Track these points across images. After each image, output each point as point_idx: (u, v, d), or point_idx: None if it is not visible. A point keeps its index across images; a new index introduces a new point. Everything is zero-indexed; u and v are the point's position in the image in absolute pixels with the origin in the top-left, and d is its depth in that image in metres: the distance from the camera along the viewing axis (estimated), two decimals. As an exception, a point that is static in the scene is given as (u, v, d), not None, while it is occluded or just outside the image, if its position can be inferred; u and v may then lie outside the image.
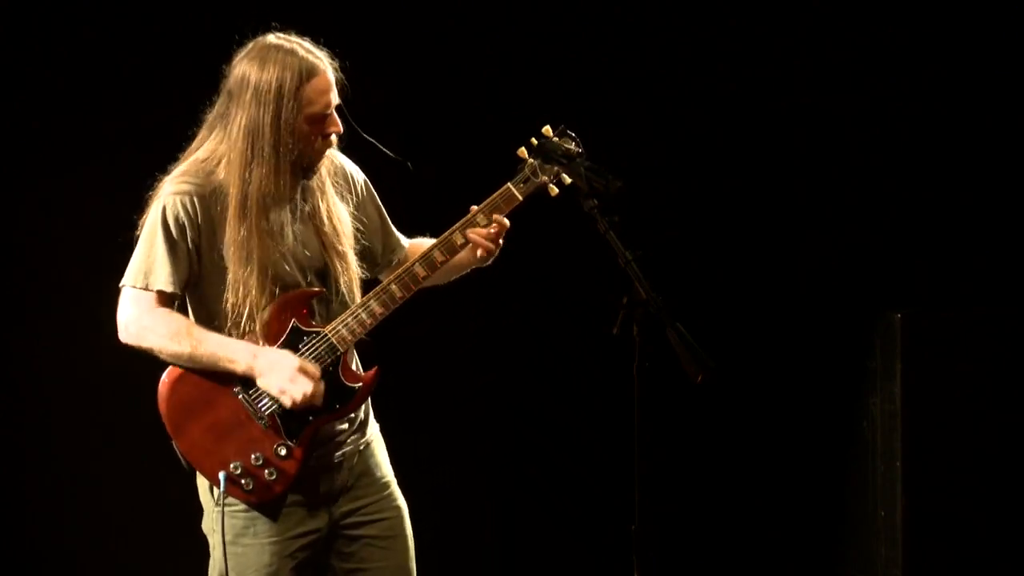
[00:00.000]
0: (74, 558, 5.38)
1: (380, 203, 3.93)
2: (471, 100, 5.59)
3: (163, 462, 3.81)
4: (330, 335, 3.67)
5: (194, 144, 3.73)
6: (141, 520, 5.34)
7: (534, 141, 3.76)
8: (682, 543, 5.83)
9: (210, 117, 3.71)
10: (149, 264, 3.63)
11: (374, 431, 3.87)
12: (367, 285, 3.82)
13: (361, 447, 3.81)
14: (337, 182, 3.80)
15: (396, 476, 3.92)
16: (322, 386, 3.64)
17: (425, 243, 3.88)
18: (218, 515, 3.68)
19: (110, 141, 5.26)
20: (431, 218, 3.97)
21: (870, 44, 5.84)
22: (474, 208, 3.77)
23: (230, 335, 3.65)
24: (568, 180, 3.71)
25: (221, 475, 3.61)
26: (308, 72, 3.61)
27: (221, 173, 3.64)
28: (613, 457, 5.61)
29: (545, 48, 5.68)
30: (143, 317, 3.63)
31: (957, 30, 5.83)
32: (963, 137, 5.87)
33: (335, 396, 3.68)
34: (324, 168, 3.75)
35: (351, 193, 3.85)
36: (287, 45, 3.65)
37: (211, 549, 3.76)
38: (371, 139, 3.84)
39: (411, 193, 4.25)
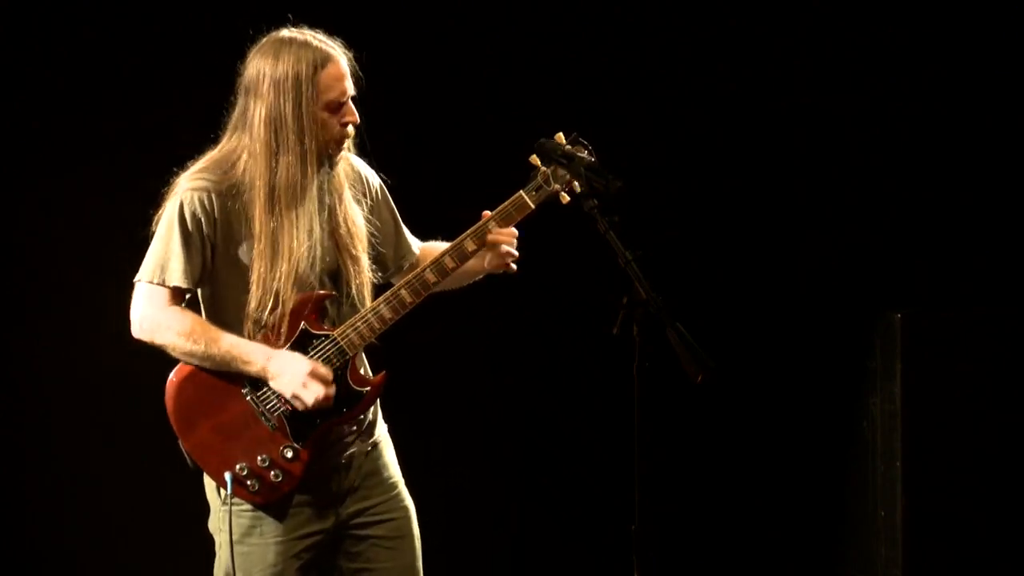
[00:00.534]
0: (75, 558, 5.38)
1: (394, 207, 3.93)
2: (472, 100, 5.60)
3: (164, 461, 3.81)
4: (339, 339, 3.67)
5: (217, 145, 3.73)
6: (143, 519, 5.34)
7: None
8: (682, 543, 5.83)
9: (230, 119, 3.71)
10: (165, 259, 3.63)
11: (382, 432, 3.87)
12: (378, 289, 3.81)
13: (369, 448, 3.81)
14: (353, 185, 3.80)
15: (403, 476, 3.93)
16: (333, 390, 3.64)
17: (437, 247, 3.89)
18: (224, 514, 3.67)
19: (110, 141, 5.26)
20: (443, 220, 3.96)
21: (870, 44, 5.84)
22: (486, 214, 3.77)
23: (248, 331, 3.64)
24: (579, 188, 3.70)
25: (227, 475, 3.62)
26: (323, 59, 3.62)
27: (241, 168, 3.64)
28: (613, 457, 5.61)
29: (546, 48, 5.68)
30: (157, 313, 3.64)
31: (957, 30, 5.84)
32: (963, 137, 5.87)
33: (343, 400, 3.68)
34: (342, 170, 3.75)
35: (366, 196, 3.84)
36: (300, 37, 3.66)
37: (216, 548, 3.76)
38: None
39: (422, 196, 4.24)
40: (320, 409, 3.64)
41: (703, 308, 5.72)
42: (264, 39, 3.70)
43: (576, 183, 3.72)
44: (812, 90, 5.83)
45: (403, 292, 3.71)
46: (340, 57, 3.66)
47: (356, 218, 3.77)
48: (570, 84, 5.66)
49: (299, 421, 3.65)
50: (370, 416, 3.82)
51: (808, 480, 5.83)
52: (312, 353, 3.66)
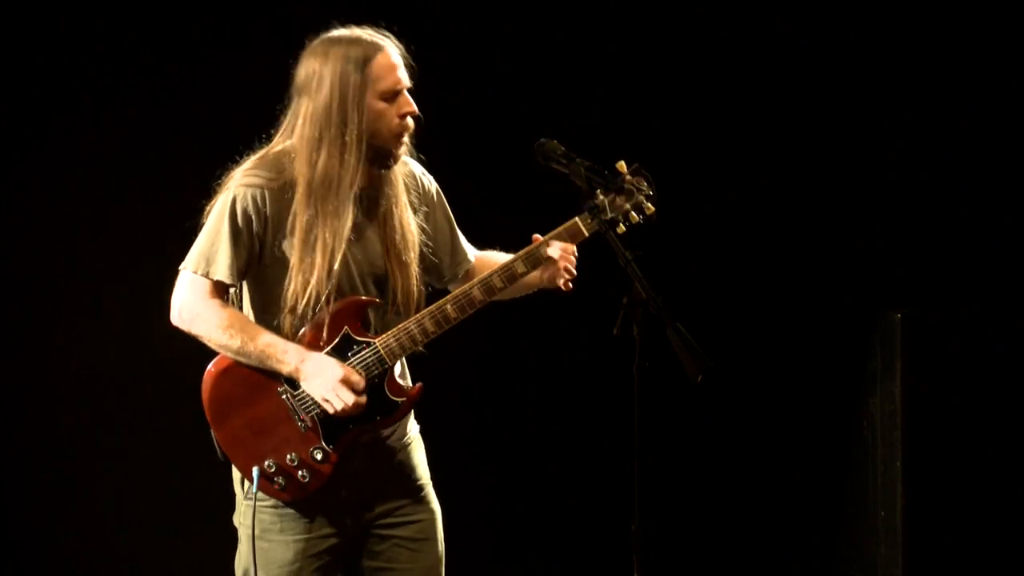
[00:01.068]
0: (97, 551, 5.39)
1: (450, 213, 3.89)
2: (473, 100, 5.60)
3: (189, 455, 3.81)
4: (380, 347, 3.66)
5: (275, 140, 3.72)
6: (165, 513, 5.35)
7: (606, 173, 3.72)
8: (682, 543, 5.83)
9: (283, 121, 3.70)
10: (212, 252, 3.63)
11: (414, 432, 3.87)
12: (432, 296, 3.79)
13: (398, 450, 3.80)
14: (410, 190, 3.77)
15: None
16: (364, 399, 3.63)
17: (494, 256, 3.88)
18: (246, 508, 3.68)
19: (109, 141, 5.27)
20: (487, 227, 3.95)
21: (870, 44, 5.84)
22: (537, 238, 3.75)
23: (288, 323, 3.64)
24: (637, 218, 3.69)
25: (255, 470, 3.61)
26: (373, 50, 3.60)
27: (291, 167, 3.63)
28: (613, 457, 5.61)
29: (546, 47, 5.68)
30: (198, 304, 3.64)
31: (957, 30, 5.84)
32: (963, 137, 5.87)
33: (377, 408, 3.68)
34: (399, 173, 3.72)
35: (421, 201, 3.81)
36: (348, 34, 3.65)
37: (239, 542, 3.77)
38: None
39: (475, 203, 4.21)
40: (354, 415, 3.64)
41: (703, 308, 5.72)
42: (315, 41, 3.68)
43: (634, 214, 3.69)
44: (812, 90, 5.83)
45: (448, 308, 3.69)
46: (391, 48, 3.64)
47: (410, 224, 3.74)
48: (571, 84, 5.66)
49: (332, 424, 3.64)
50: (402, 421, 3.81)
51: (808, 480, 5.83)
52: (351, 359, 3.65)
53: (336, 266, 3.61)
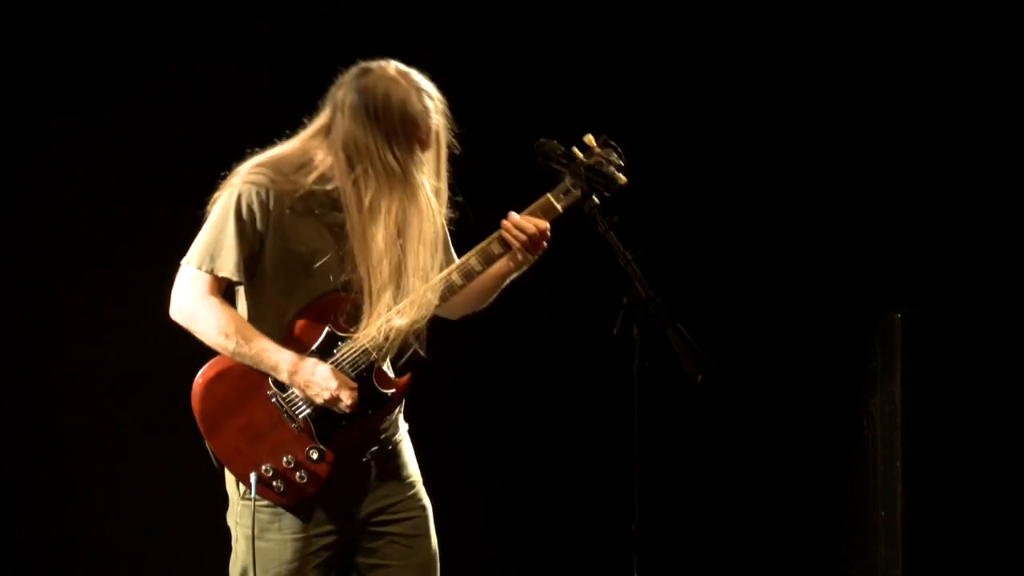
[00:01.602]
0: (92, 553, 5.39)
1: (443, 220, 3.90)
2: (472, 100, 5.59)
3: (181, 456, 3.81)
4: (364, 341, 3.67)
5: (286, 143, 3.72)
6: (160, 514, 5.35)
7: (575, 150, 3.74)
8: (682, 543, 5.83)
9: (312, 124, 3.70)
10: (217, 248, 3.63)
11: (403, 431, 3.88)
12: None
13: (389, 447, 3.81)
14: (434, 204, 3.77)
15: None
16: (356, 396, 3.64)
17: None
18: (243, 509, 3.69)
19: (109, 141, 5.27)
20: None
21: (870, 44, 5.84)
22: (512, 216, 3.75)
23: (280, 330, 3.65)
24: (608, 194, 3.69)
25: (252, 476, 3.63)
26: (421, 107, 3.63)
27: (310, 177, 3.64)
28: (613, 457, 5.61)
29: (546, 47, 5.68)
30: (198, 300, 3.64)
31: (957, 30, 5.84)
32: (963, 137, 5.87)
33: (368, 402, 3.69)
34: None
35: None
36: (402, 77, 3.65)
37: (233, 542, 3.77)
38: None
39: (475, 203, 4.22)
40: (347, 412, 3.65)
41: (703, 308, 5.72)
42: (368, 65, 3.67)
43: (603, 192, 3.70)
44: (812, 90, 5.83)
45: (429, 295, 3.70)
46: (433, 116, 3.65)
47: (427, 234, 3.73)
48: (571, 84, 5.66)
49: (324, 422, 3.66)
50: (392, 416, 3.82)
51: (808, 480, 5.83)
52: (337, 356, 3.66)
53: (329, 274, 3.63)
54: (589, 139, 3.75)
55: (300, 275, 3.67)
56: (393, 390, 3.73)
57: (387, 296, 3.69)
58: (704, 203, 5.85)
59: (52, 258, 5.30)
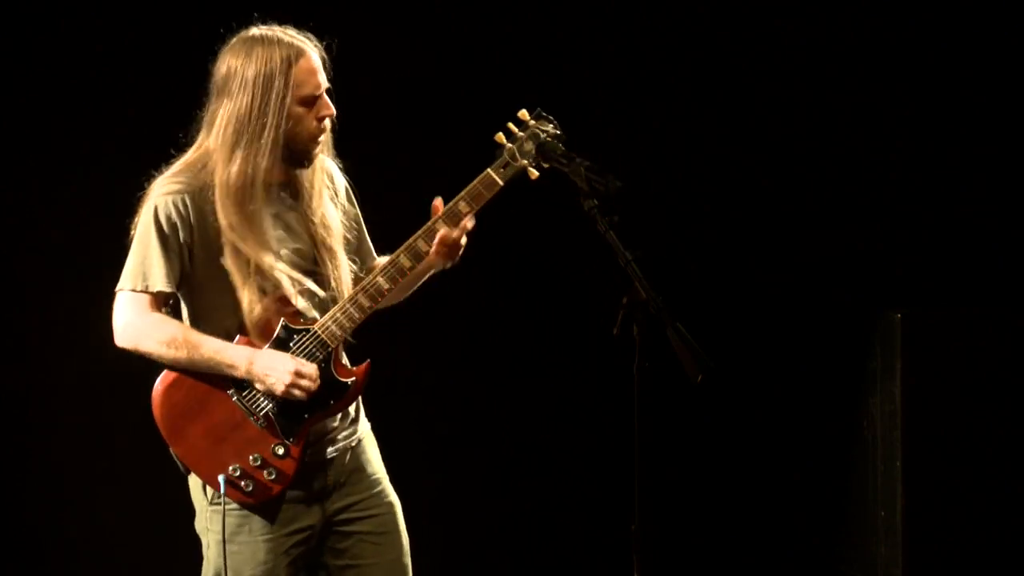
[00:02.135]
0: (69, 561, 5.39)
1: (359, 211, 3.93)
2: (472, 100, 5.60)
3: (154, 464, 3.81)
4: (320, 331, 3.68)
5: (190, 146, 3.74)
6: (133, 523, 5.34)
7: (511, 126, 3.76)
8: (682, 543, 5.83)
9: (203, 119, 3.73)
10: (146, 266, 3.64)
11: (365, 429, 3.88)
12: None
13: (353, 443, 3.82)
14: (326, 183, 3.81)
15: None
16: (319, 382, 3.66)
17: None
18: (211, 514, 3.69)
19: (109, 141, 5.27)
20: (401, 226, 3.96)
21: (870, 44, 5.84)
22: (438, 202, 3.76)
23: (226, 327, 3.65)
24: (547, 164, 3.72)
25: (220, 478, 3.63)
26: (296, 54, 3.63)
27: (210, 169, 3.66)
28: (613, 457, 5.61)
29: (544, 46, 5.68)
30: (139, 320, 3.64)
31: (957, 30, 5.84)
32: (963, 137, 5.87)
33: (329, 392, 3.70)
34: (318, 166, 3.76)
35: (336, 196, 3.85)
36: (270, 34, 3.67)
37: (204, 549, 3.77)
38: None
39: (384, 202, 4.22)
40: (308, 403, 3.65)
41: (703, 308, 5.72)
42: (234, 38, 3.70)
43: (540, 162, 3.74)
44: (812, 90, 5.83)
45: (379, 279, 3.71)
46: (312, 51, 3.66)
47: (331, 212, 3.78)
48: (570, 84, 5.66)
49: (287, 418, 3.66)
50: (352, 412, 3.83)
51: (808, 480, 5.83)
52: (294, 348, 3.67)
53: (272, 269, 3.64)
54: (523, 114, 3.77)
55: None
56: (353, 379, 3.73)
57: (343, 285, 3.73)
58: (704, 203, 5.85)
59: (52, 258, 5.30)
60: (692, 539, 5.88)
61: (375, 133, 5.36)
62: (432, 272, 3.89)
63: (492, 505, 5.75)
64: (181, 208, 3.63)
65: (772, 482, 5.88)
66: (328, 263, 3.75)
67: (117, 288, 3.68)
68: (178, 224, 3.63)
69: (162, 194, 3.65)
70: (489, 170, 3.75)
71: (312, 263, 3.74)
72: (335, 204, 3.83)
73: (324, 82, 3.68)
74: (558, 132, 3.75)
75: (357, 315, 3.70)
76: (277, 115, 3.61)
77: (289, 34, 3.67)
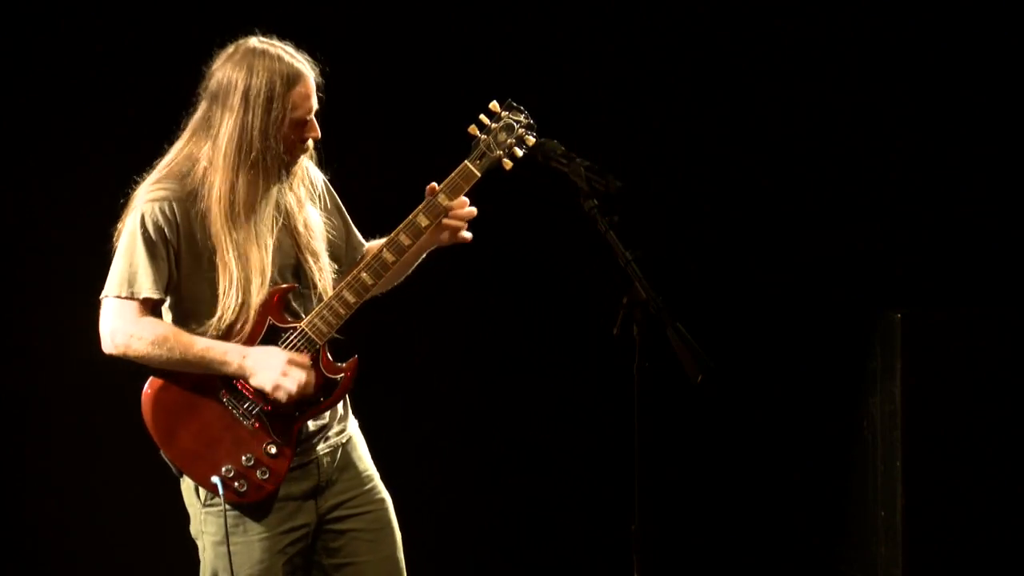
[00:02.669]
0: (65, 565, 5.39)
1: (340, 203, 3.96)
2: (472, 100, 5.59)
3: (154, 464, 3.81)
4: (307, 329, 3.70)
5: (173, 149, 3.74)
6: (130, 527, 5.34)
7: (483, 118, 3.79)
8: (682, 543, 5.83)
9: (191, 122, 3.73)
10: (132, 273, 3.64)
11: (353, 427, 3.90)
12: None
13: (343, 440, 3.84)
14: (305, 185, 3.84)
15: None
16: (314, 376, 3.67)
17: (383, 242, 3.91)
18: (205, 517, 3.71)
19: (109, 141, 5.27)
20: (384, 217, 3.96)
21: (870, 44, 5.84)
22: (434, 186, 3.79)
23: (213, 329, 3.66)
24: (520, 153, 3.77)
25: (214, 479, 3.63)
26: (294, 78, 3.67)
27: (199, 174, 3.67)
28: (613, 457, 5.61)
29: (544, 46, 5.68)
30: (128, 326, 3.65)
31: (957, 30, 5.84)
32: (963, 137, 5.87)
33: (319, 389, 3.71)
34: (297, 171, 3.79)
35: (316, 195, 3.88)
36: (272, 51, 3.69)
37: (200, 552, 3.78)
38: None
39: (367, 192, 4.23)
40: (299, 401, 3.66)
41: (703, 308, 5.72)
42: (233, 47, 3.72)
43: (517, 149, 3.77)
44: (812, 90, 5.83)
45: (364, 275, 3.73)
46: (309, 73, 3.70)
47: (311, 214, 3.81)
48: (570, 84, 5.66)
49: (278, 417, 3.68)
50: (341, 410, 3.85)
51: (808, 480, 5.83)
52: (282, 346, 3.68)
53: (257, 272, 3.66)
54: (494, 106, 3.81)
55: None
56: (342, 375, 3.74)
57: (327, 284, 3.75)
58: (704, 203, 5.85)
59: (52, 258, 5.30)
60: (692, 539, 5.88)
61: (375, 133, 5.37)
62: (428, 251, 3.92)
63: (492, 505, 5.75)
64: (168, 214, 3.64)
65: (772, 482, 5.88)
66: (311, 264, 3.77)
67: (102, 295, 3.68)
68: (165, 230, 3.64)
69: (148, 200, 3.65)
70: (466, 162, 3.79)
71: (296, 265, 3.76)
72: (315, 204, 3.85)
73: (315, 105, 3.71)
74: (530, 122, 3.80)
75: (343, 311, 3.72)
76: (273, 137, 3.65)
77: (289, 52, 3.70)
